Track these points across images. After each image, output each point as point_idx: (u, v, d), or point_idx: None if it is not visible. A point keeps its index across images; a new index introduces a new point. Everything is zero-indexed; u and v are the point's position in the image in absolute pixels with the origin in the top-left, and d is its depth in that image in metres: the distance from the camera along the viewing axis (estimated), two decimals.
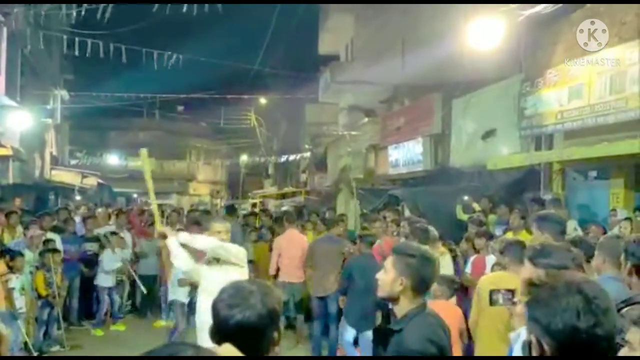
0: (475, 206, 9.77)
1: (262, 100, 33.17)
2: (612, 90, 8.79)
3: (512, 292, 3.75)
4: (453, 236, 8.24)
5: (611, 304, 1.57)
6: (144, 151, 5.79)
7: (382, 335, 2.81)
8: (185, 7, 11.57)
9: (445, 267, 6.69)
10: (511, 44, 10.81)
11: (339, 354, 7.77)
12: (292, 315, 9.12)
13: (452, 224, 9.38)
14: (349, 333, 7.12)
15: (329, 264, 8.03)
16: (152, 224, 11.52)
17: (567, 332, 1.49)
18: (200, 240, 5.07)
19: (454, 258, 7.32)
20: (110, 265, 9.90)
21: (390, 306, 2.83)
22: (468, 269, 6.95)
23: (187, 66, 16.60)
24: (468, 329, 5.12)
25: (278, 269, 8.88)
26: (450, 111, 14.64)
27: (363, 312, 6.85)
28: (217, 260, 4.91)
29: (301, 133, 30.64)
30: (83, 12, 12.44)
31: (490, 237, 6.99)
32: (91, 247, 10.19)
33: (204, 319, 4.44)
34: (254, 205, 27.14)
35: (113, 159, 37.81)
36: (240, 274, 4.73)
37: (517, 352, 2.82)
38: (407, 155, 17.03)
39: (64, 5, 13.66)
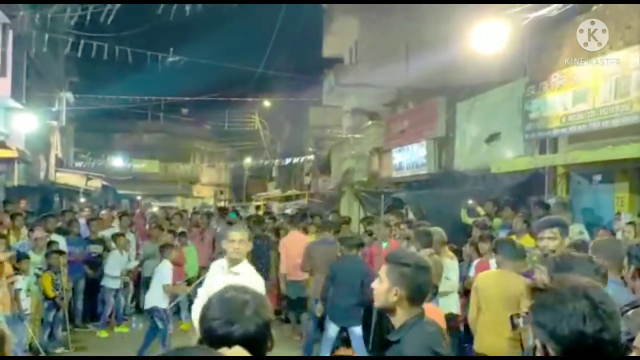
0: (480, 210, 9.77)
1: (266, 103, 33.19)
2: (616, 94, 8.78)
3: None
4: (457, 240, 8.23)
5: (616, 308, 1.58)
6: None
7: (381, 346, 2.79)
8: (188, 10, 11.59)
9: (453, 271, 6.71)
10: (516, 47, 10.81)
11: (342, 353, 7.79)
12: (295, 313, 9.46)
13: (456, 227, 9.37)
14: (332, 330, 7.32)
15: (324, 266, 8.06)
16: (157, 226, 11.61)
17: (574, 337, 1.49)
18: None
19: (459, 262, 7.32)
20: (116, 267, 9.91)
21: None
22: (472, 273, 6.94)
23: (191, 69, 16.70)
24: (452, 328, 5.18)
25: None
26: (455, 114, 14.62)
27: (348, 310, 7.18)
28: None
29: (305, 136, 30.67)
30: (88, 15, 12.49)
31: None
32: (95, 249, 10.22)
33: None
34: (257, 207, 27.19)
35: (117, 161, 37.95)
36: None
37: None
38: (411, 158, 17.02)
39: (69, 8, 13.71)
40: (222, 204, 36.40)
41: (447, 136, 15.09)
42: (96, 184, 25.48)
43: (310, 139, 29.00)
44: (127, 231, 11.15)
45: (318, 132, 27.72)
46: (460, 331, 6.85)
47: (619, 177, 9.42)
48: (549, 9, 9.21)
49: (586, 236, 7.26)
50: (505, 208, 9.26)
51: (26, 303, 7.64)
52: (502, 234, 8.12)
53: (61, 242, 9.39)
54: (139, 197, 34.22)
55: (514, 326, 4.23)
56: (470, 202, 9.99)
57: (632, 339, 1.93)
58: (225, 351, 1.74)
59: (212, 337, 1.78)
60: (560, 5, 8.99)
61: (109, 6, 11.82)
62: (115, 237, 10.28)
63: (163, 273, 8.13)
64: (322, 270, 8.04)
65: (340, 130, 24.83)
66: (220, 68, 20.13)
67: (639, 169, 8.99)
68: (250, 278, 4.32)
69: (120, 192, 31.42)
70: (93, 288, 10.03)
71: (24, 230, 9.45)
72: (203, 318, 1.82)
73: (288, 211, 18.68)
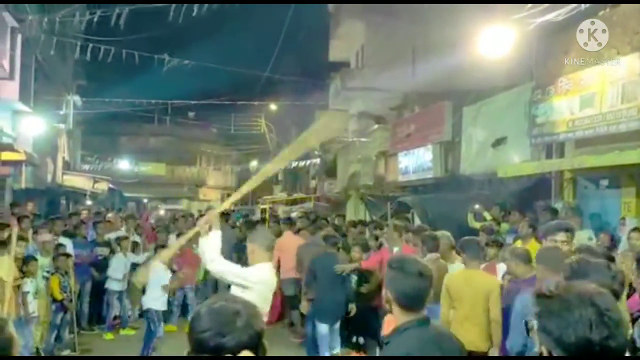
0: (486, 214, 9.75)
1: (273, 107, 33.27)
2: (624, 99, 8.76)
3: None
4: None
5: (622, 315, 1.58)
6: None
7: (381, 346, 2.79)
8: (195, 12, 11.63)
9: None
10: (522, 52, 10.80)
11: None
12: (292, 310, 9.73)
13: (462, 231, 9.34)
14: (323, 327, 7.60)
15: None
16: (165, 229, 11.65)
17: (580, 344, 1.49)
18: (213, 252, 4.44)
19: None
20: (120, 269, 9.91)
21: None
22: None
23: (198, 72, 16.74)
24: None
25: (279, 266, 9.48)
26: (461, 118, 14.62)
27: (330, 308, 7.52)
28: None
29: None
30: (96, 19, 12.56)
31: (501, 245, 6.97)
32: (102, 251, 10.25)
33: None
34: (263, 211, 27.19)
35: (124, 164, 38.07)
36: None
37: None
38: (417, 162, 17.01)
39: (77, 12, 13.81)
40: (231, 207, 36.40)
41: (454, 140, 15.08)
42: (103, 186, 25.58)
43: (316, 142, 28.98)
44: (134, 234, 11.19)
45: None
46: None
47: (626, 182, 9.39)
48: (556, 14, 9.19)
49: (595, 242, 7.25)
50: (513, 212, 9.24)
51: (33, 306, 7.67)
52: (510, 239, 8.12)
53: (68, 245, 9.42)
54: (145, 200, 34.37)
55: (529, 330, 4.22)
56: (477, 206, 9.98)
57: None
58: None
59: (203, 350, 1.73)
60: (566, 10, 8.97)
61: (116, 10, 11.89)
62: (119, 240, 10.30)
63: (159, 274, 8.15)
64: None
65: (346, 134, 24.84)
66: (227, 72, 20.17)
67: None
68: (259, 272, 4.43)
69: (126, 194, 31.55)
70: (99, 291, 10.05)
71: (30, 233, 9.49)
72: (192, 330, 1.76)
73: (294, 214, 18.67)
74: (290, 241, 9.82)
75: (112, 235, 10.82)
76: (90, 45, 13.88)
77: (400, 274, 2.62)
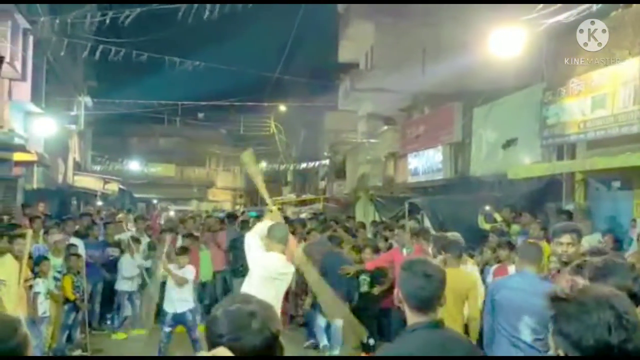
0: (497, 216, 9.72)
1: (282, 108, 33.32)
2: (635, 100, 8.70)
3: None
4: (473, 246, 8.20)
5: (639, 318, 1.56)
6: (248, 154, 6.07)
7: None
8: (207, 11, 11.67)
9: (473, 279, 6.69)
10: (533, 52, 10.75)
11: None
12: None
13: (473, 233, 9.32)
14: (321, 320, 8.20)
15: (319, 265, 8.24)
16: (172, 230, 11.66)
17: (599, 348, 1.48)
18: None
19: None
20: (129, 270, 9.93)
21: None
22: (489, 279, 6.90)
23: (207, 73, 16.79)
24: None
25: None
26: (471, 120, 14.57)
27: None
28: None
29: (320, 140, 30.71)
30: (107, 20, 12.65)
31: (512, 247, 6.94)
32: (113, 252, 10.29)
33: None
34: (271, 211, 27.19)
35: (134, 165, 38.24)
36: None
37: None
38: (426, 163, 16.98)
39: (88, 13, 13.90)
40: (239, 208, 36.56)
41: (464, 141, 15.04)
42: (113, 187, 25.71)
43: (326, 143, 29.03)
44: (144, 234, 11.23)
45: (333, 137, 27.73)
46: None
47: (638, 183, 9.32)
48: (567, 15, 9.15)
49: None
50: (524, 214, 9.20)
51: (45, 306, 7.71)
52: (520, 240, 8.08)
53: (79, 245, 9.47)
54: (155, 201, 34.50)
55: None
56: (487, 208, 9.94)
57: None
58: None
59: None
60: (577, 11, 8.93)
61: (127, 11, 11.96)
62: (128, 240, 10.32)
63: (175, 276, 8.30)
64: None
65: (356, 135, 24.84)
66: (237, 73, 20.27)
67: None
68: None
69: (136, 195, 31.66)
70: (110, 291, 10.09)
71: (42, 233, 9.55)
72: (209, 333, 1.78)
73: (303, 215, 18.69)
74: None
75: (122, 236, 10.87)
76: (101, 46, 13.97)
77: (408, 274, 2.66)
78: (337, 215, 16.14)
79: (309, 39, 26.69)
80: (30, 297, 7.37)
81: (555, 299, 1.63)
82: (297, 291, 9.65)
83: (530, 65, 11.61)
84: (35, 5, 14.86)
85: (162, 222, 16.61)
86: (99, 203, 21.65)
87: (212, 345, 1.75)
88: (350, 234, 10.91)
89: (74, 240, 9.54)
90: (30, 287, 7.40)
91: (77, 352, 8.61)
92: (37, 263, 7.83)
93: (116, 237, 10.75)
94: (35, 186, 16.01)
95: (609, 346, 1.48)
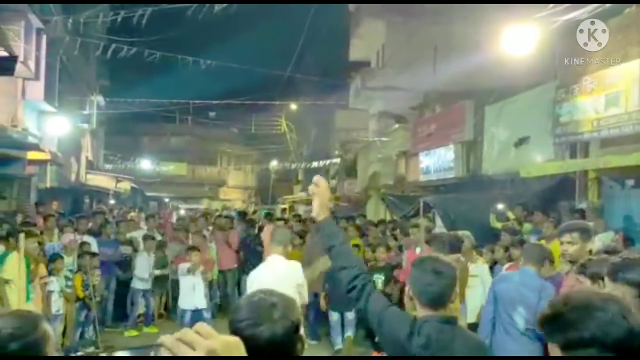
0: (510, 214, 9.67)
1: (293, 106, 33.33)
2: None
3: None
4: (486, 244, 8.17)
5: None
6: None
7: None
8: (217, 11, 11.70)
9: (485, 277, 6.68)
10: (545, 50, 10.67)
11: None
12: None
13: (485, 232, 9.29)
14: (334, 315, 8.49)
15: (319, 257, 8.24)
16: (184, 229, 11.74)
17: (622, 344, 1.47)
18: None
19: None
20: (144, 269, 10.00)
21: None
22: None
23: (219, 72, 16.87)
24: None
25: None
26: (483, 118, 14.50)
27: (342, 297, 7.47)
28: None
29: (331, 139, 30.69)
30: (119, 19, 12.71)
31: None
32: (126, 250, 10.36)
33: None
34: (283, 210, 27.27)
35: (146, 164, 38.42)
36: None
37: None
38: (438, 162, 16.91)
39: (101, 13, 13.99)
40: (252, 207, 36.67)
41: (475, 140, 14.97)
42: (125, 186, 25.87)
43: (337, 142, 29.02)
44: (155, 233, 11.29)
45: (344, 135, 27.71)
46: None
47: None
48: (580, 12, 9.07)
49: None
50: (537, 213, 9.15)
51: (58, 304, 7.78)
52: (533, 239, 8.05)
53: (92, 244, 9.54)
54: (166, 200, 34.67)
55: None
56: (499, 206, 9.90)
57: None
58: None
59: (240, 338, 1.79)
60: (590, 8, 8.85)
61: (139, 11, 12.02)
62: (144, 239, 10.40)
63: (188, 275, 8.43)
64: (317, 262, 8.51)
65: (367, 133, 24.80)
66: (248, 72, 20.27)
67: None
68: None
69: (148, 194, 31.83)
70: (124, 289, 10.15)
71: (56, 232, 9.62)
72: (231, 320, 1.83)
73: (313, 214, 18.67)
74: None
75: (134, 234, 10.93)
76: (113, 45, 14.05)
77: (419, 272, 2.72)
78: (348, 214, 16.13)
79: (320, 37, 26.66)
80: (45, 295, 7.45)
81: (545, 321, 1.62)
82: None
83: (542, 63, 11.52)
84: (48, 5, 14.96)
85: (174, 220, 16.70)
86: (112, 201, 21.82)
87: (233, 331, 1.78)
88: (361, 233, 10.91)
89: (86, 238, 9.62)
90: (45, 284, 7.48)
91: (90, 349, 8.69)
92: (51, 260, 7.90)
93: (128, 235, 10.83)
94: (48, 185, 16.14)
95: (623, 342, 1.47)
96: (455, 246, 6.42)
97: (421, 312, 2.69)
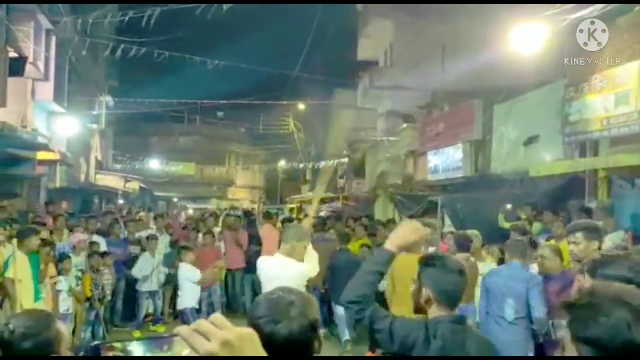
0: (521, 214, 9.64)
1: (301, 106, 33.31)
2: None
3: None
4: (495, 244, 8.13)
5: None
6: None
7: None
8: (226, 11, 11.71)
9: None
10: (554, 49, 10.61)
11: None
12: None
13: (494, 231, 9.25)
14: (339, 309, 8.43)
15: (324, 260, 8.29)
16: (194, 228, 11.77)
17: (627, 347, 1.45)
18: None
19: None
20: (145, 269, 9.95)
21: None
22: None
23: (227, 72, 16.84)
24: None
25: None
26: (492, 117, 14.45)
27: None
28: None
29: (339, 139, 30.65)
30: (128, 20, 12.75)
31: (535, 245, 6.88)
32: (135, 249, 10.38)
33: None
34: (291, 210, 27.29)
35: (154, 164, 38.54)
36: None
37: None
38: (447, 161, 16.88)
39: (110, 13, 14.03)
40: (261, 207, 36.73)
41: (484, 139, 14.92)
42: (134, 186, 25.97)
43: (345, 141, 29.00)
44: (164, 233, 11.31)
45: (352, 135, 27.69)
46: None
47: None
48: (590, 10, 9.01)
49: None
50: (546, 212, 9.10)
51: (67, 304, 7.81)
52: (543, 239, 8.01)
53: (102, 243, 9.57)
54: (175, 200, 34.76)
55: (555, 333, 4.40)
56: (508, 206, 9.86)
57: None
58: None
59: (258, 335, 1.80)
60: (600, 7, 8.79)
61: (148, 11, 12.05)
62: (147, 239, 10.38)
63: (186, 274, 8.50)
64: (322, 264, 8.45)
65: (375, 133, 24.77)
66: (256, 71, 20.24)
67: None
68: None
69: (157, 194, 31.91)
70: (133, 289, 10.15)
71: (66, 232, 9.67)
72: (250, 317, 1.85)
73: (322, 214, 18.69)
74: (268, 232, 10.98)
75: (142, 234, 10.96)
76: (122, 46, 14.08)
77: (439, 271, 2.69)
78: (356, 214, 16.12)
79: (328, 37, 26.64)
80: (55, 295, 7.49)
81: (567, 306, 1.60)
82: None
83: (551, 61, 11.46)
84: (57, 6, 15.03)
85: (183, 220, 16.75)
86: (121, 201, 21.92)
87: (251, 328, 1.79)
88: (369, 233, 10.89)
89: (96, 238, 9.65)
90: (55, 284, 7.53)
91: None
92: (60, 260, 7.95)
93: (137, 235, 10.86)
94: (58, 185, 16.23)
95: (633, 344, 1.45)
96: (464, 245, 6.43)
97: (436, 312, 2.67)
